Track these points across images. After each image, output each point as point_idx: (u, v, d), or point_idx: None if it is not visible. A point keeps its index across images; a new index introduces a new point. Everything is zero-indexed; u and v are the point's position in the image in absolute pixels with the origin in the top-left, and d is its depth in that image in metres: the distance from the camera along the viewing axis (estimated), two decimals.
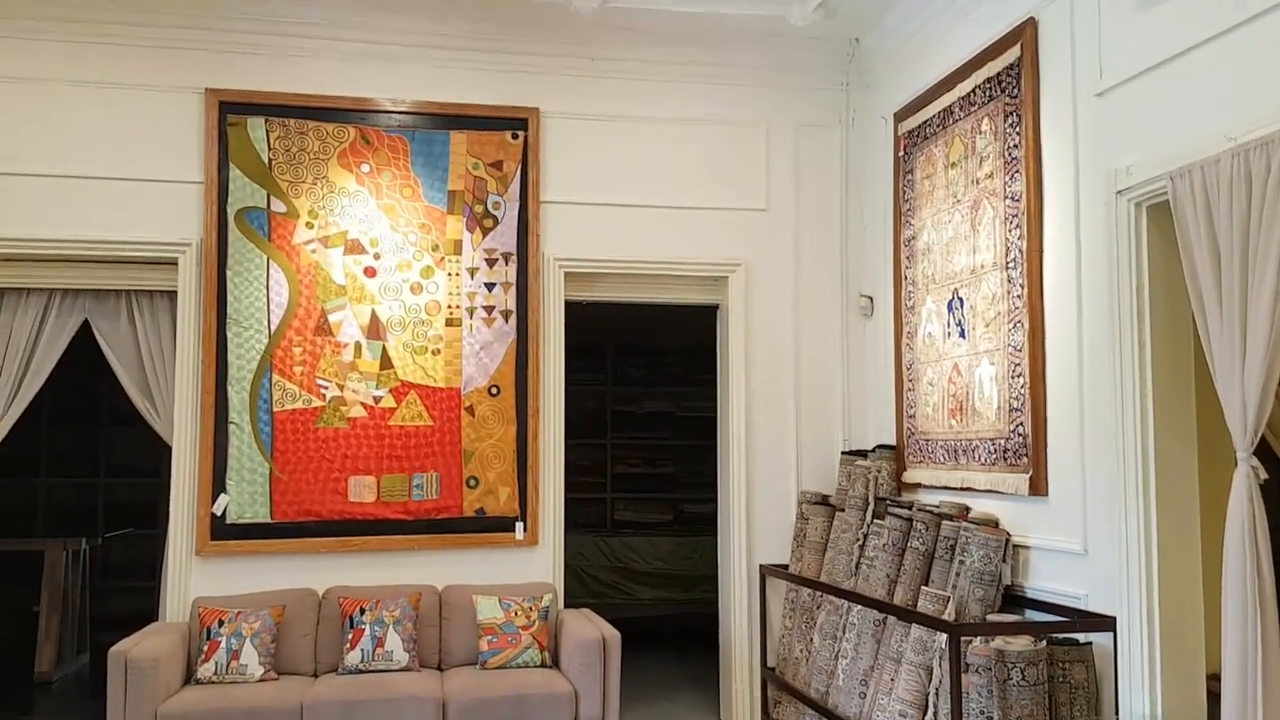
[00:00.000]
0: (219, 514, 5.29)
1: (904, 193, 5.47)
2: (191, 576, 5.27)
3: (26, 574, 6.73)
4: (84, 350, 5.49)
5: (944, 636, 4.09)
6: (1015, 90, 4.50)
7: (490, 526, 5.53)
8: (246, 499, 5.33)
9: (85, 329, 5.46)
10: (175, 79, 5.39)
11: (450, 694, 4.72)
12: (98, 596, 7.96)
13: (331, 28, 5.48)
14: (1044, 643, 3.87)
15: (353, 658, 4.96)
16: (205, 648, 4.87)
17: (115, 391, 5.61)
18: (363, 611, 5.04)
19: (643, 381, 10.24)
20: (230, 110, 5.41)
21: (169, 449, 5.39)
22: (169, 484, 5.34)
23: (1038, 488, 4.27)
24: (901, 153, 5.50)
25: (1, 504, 6.08)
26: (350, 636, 5.00)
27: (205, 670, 4.82)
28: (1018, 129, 4.47)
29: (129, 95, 5.36)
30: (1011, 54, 4.52)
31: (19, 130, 5.25)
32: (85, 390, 8.41)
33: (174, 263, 5.37)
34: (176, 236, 5.36)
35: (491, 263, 5.63)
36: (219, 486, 5.30)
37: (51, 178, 5.26)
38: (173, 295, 5.43)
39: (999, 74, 4.62)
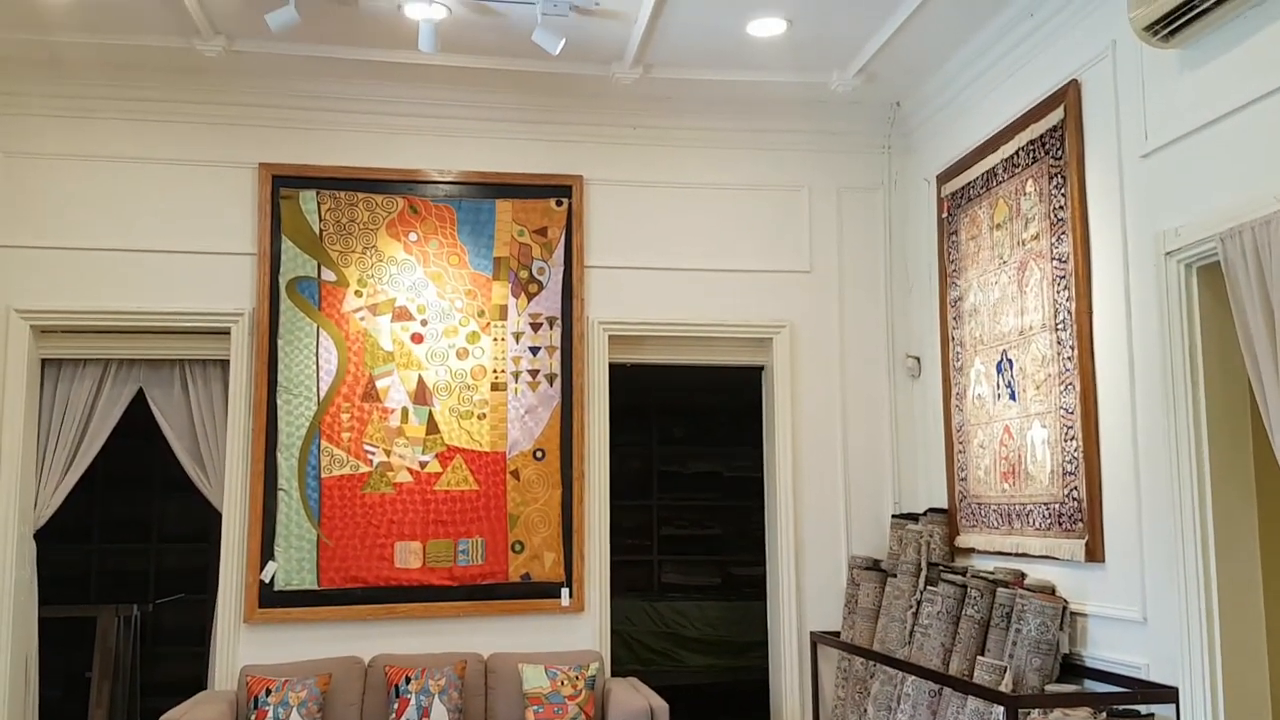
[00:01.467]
0: (267, 581, 5.32)
1: (949, 254, 5.45)
2: (240, 644, 5.29)
3: (79, 640, 6.79)
4: (136, 417, 5.59)
5: (1001, 709, 3.98)
6: (1059, 152, 4.49)
7: (536, 592, 5.50)
8: (294, 566, 5.35)
9: (139, 397, 5.56)
10: (230, 154, 5.54)
11: None
12: (149, 662, 8.00)
13: (380, 102, 5.62)
14: (1104, 714, 3.75)
15: None
16: (253, 717, 4.86)
17: (167, 458, 5.68)
18: (408, 680, 5.02)
19: (688, 441, 10.19)
20: (283, 184, 5.54)
21: (219, 515, 5.44)
22: (219, 549, 5.39)
23: (1094, 553, 4.18)
24: (945, 214, 5.50)
25: (55, 570, 6.18)
26: (396, 706, 4.97)
27: None
28: (1062, 190, 4.45)
29: (185, 170, 5.51)
30: (1054, 116, 4.51)
31: (79, 205, 5.41)
32: (137, 457, 8.54)
33: (227, 332, 5.48)
34: (230, 306, 5.47)
35: (536, 327, 5.68)
36: (267, 553, 5.33)
37: (110, 251, 5.41)
38: (225, 364, 5.53)
39: (1042, 136, 4.61)
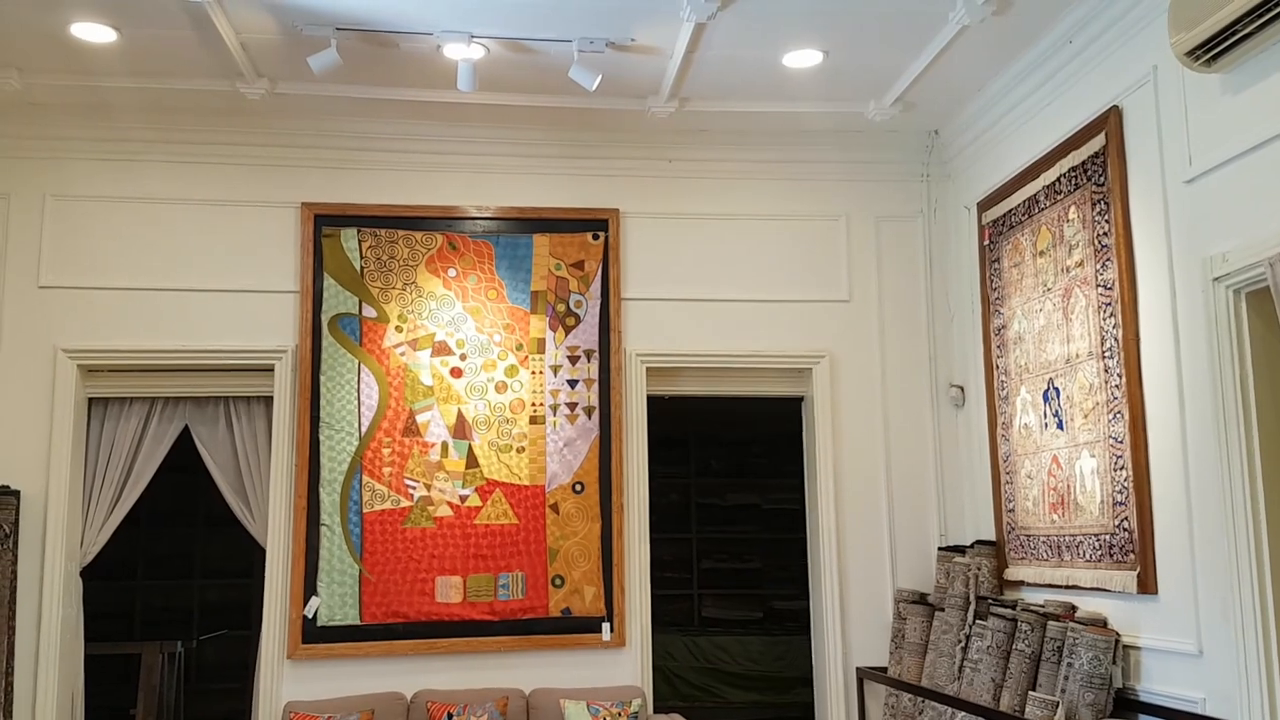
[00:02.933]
0: (310, 616, 5.33)
1: (991, 281, 5.40)
2: (283, 680, 5.29)
3: (124, 676, 6.84)
4: (181, 453, 5.65)
5: None
6: (1102, 178, 4.44)
7: (576, 627, 5.47)
8: (337, 601, 5.36)
9: (184, 434, 5.62)
10: (273, 194, 5.62)
11: None
12: (192, 699, 8.03)
13: (419, 140, 5.69)
14: None
15: None
16: None
17: (211, 493, 5.73)
18: (450, 717, 5.00)
19: (726, 473, 10.13)
20: (325, 222, 5.61)
21: (262, 550, 5.47)
22: (262, 585, 5.41)
23: (1146, 585, 4.09)
24: (987, 242, 5.45)
25: (100, 606, 6.24)
26: None
27: None
28: (1106, 217, 4.41)
29: (229, 211, 5.60)
30: (1096, 143, 4.47)
31: (125, 246, 5.50)
32: (182, 492, 8.62)
33: (270, 369, 5.53)
34: (273, 344, 5.53)
35: (574, 360, 5.68)
36: (310, 588, 5.35)
37: (156, 291, 5.49)
38: (269, 400, 5.58)
39: (1084, 163, 4.57)
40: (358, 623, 5.36)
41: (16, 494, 5.17)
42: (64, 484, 5.27)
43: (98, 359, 5.41)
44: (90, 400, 5.50)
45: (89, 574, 5.50)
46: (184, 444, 5.63)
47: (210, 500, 5.88)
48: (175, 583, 8.90)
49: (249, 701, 5.62)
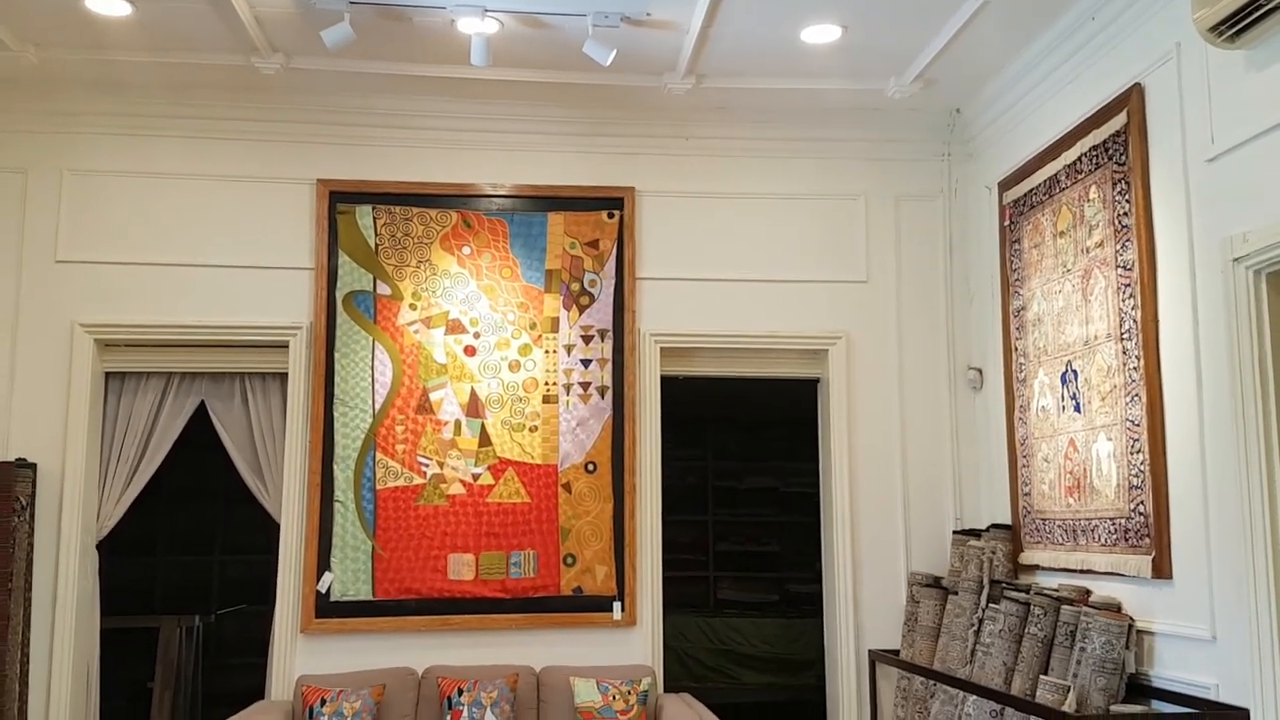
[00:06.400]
0: (324, 591, 5.35)
1: (1011, 262, 5.33)
2: (296, 654, 5.33)
3: (142, 650, 6.91)
4: (202, 429, 5.68)
5: None
6: (1123, 157, 4.36)
7: (588, 606, 5.47)
8: (350, 577, 5.39)
9: (201, 409, 5.65)
10: (288, 171, 5.62)
11: None
12: (211, 673, 8.10)
13: (434, 117, 5.67)
14: None
15: None
16: None
17: (230, 470, 5.76)
18: (461, 692, 5.01)
19: (743, 456, 10.09)
20: (340, 199, 5.61)
21: (279, 526, 5.50)
22: (278, 562, 5.44)
23: (1161, 570, 4.03)
24: (1007, 222, 5.38)
25: (120, 581, 6.30)
26: (449, 718, 4.97)
27: None
28: (1126, 196, 4.33)
29: (245, 187, 5.61)
30: (1117, 121, 4.39)
31: (141, 221, 5.52)
32: (203, 469, 8.69)
33: (285, 345, 5.54)
34: (288, 320, 5.54)
35: (588, 339, 5.66)
36: (324, 564, 5.37)
37: (172, 266, 5.51)
38: (284, 377, 5.60)
39: (1105, 141, 4.49)
40: (370, 598, 5.38)
41: (33, 467, 5.22)
42: (80, 457, 5.31)
43: (114, 334, 5.44)
44: (107, 375, 5.54)
45: (110, 549, 5.55)
46: (205, 420, 5.66)
47: (231, 477, 5.90)
48: (196, 558, 8.99)
49: (266, 677, 5.66)
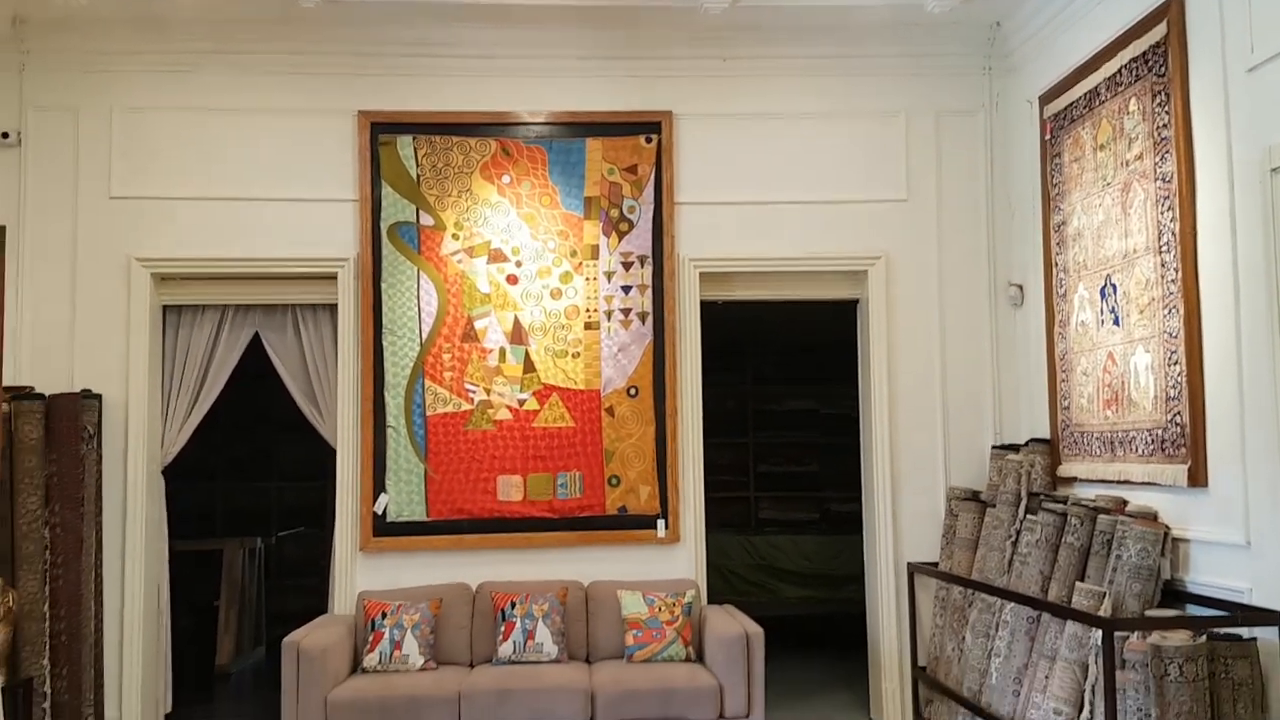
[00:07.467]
0: (380, 513, 5.56)
1: (1052, 177, 5.31)
2: (356, 571, 5.56)
3: (207, 572, 7.22)
4: (257, 360, 5.86)
5: (1099, 633, 3.96)
6: (1162, 69, 4.32)
7: (632, 524, 5.64)
8: (404, 499, 5.58)
9: (256, 341, 5.82)
10: (329, 103, 5.70)
11: (599, 686, 4.84)
12: (272, 592, 8.44)
13: (471, 46, 5.69)
14: (1204, 638, 3.70)
15: (505, 649, 5.14)
16: (370, 639, 5.13)
17: (286, 399, 5.95)
18: (513, 605, 5.22)
19: (783, 379, 10.17)
20: (381, 130, 5.69)
21: (334, 453, 5.69)
22: (335, 486, 5.65)
23: (1197, 479, 4.09)
24: (1048, 136, 5.34)
25: (183, 506, 6.55)
26: (503, 629, 5.18)
27: (370, 660, 5.08)
28: (1166, 108, 4.30)
29: (289, 120, 5.70)
30: (1157, 32, 4.34)
31: (190, 156, 5.65)
32: (260, 398, 8.94)
33: (334, 277, 5.68)
34: (335, 252, 5.66)
35: (628, 266, 5.74)
36: (379, 487, 5.57)
37: (221, 200, 5.64)
38: (334, 308, 5.74)
39: (1145, 53, 4.44)
40: (424, 519, 5.58)
41: (99, 397, 5.43)
42: (143, 388, 5.51)
43: (168, 267, 5.60)
44: (165, 308, 5.72)
45: (173, 475, 5.78)
46: (260, 351, 5.84)
47: (287, 406, 6.09)
48: (255, 484, 9.30)
49: (326, 595, 5.91)
